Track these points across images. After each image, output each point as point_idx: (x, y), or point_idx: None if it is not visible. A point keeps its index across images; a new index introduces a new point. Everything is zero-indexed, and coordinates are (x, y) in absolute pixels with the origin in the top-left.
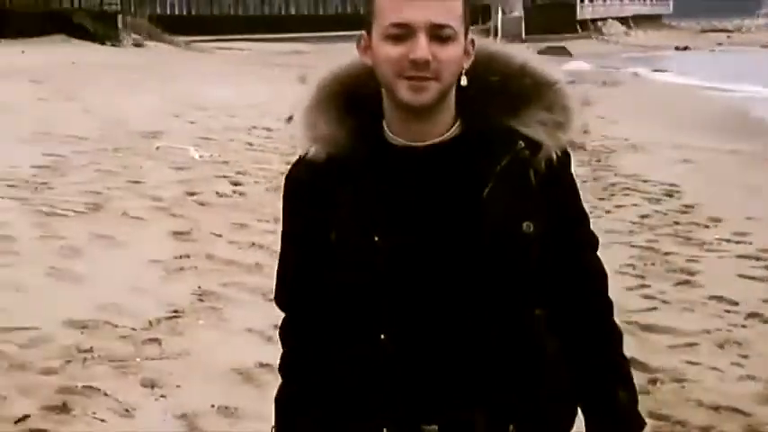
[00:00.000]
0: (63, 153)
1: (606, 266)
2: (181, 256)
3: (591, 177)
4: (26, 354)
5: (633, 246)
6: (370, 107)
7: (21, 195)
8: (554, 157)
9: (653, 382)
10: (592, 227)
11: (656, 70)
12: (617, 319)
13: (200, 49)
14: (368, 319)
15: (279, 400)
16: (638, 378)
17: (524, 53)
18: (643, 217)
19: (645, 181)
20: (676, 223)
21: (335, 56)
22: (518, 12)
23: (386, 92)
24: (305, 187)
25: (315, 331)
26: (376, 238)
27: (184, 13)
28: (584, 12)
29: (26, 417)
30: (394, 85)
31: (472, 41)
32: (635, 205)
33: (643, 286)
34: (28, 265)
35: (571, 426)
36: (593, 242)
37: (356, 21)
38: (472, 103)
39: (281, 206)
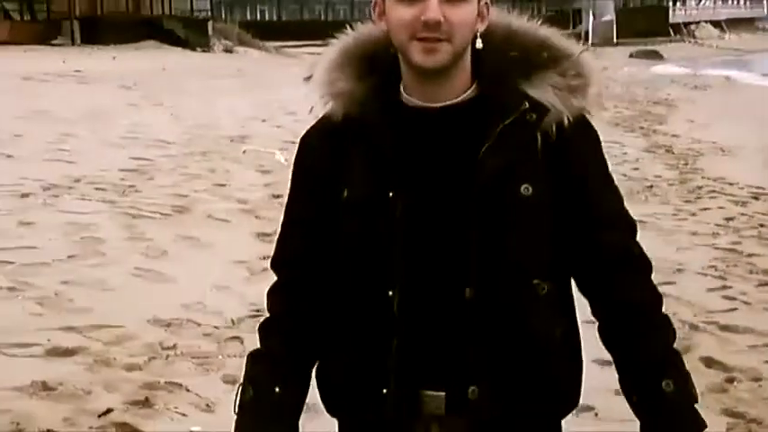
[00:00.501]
0: (150, 157)
1: (688, 267)
2: (265, 257)
3: (678, 180)
4: (111, 350)
5: (717, 248)
6: (387, 70)
7: (109, 198)
8: (565, 122)
9: (730, 380)
10: (673, 228)
11: (748, 73)
12: (695, 319)
13: (290, 54)
14: (377, 275)
15: (256, 356)
16: (716, 377)
17: (547, 30)
18: (728, 219)
19: (731, 184)
20: (761, 225)
21: None
22: (609, 15)
23: (401, 55)
24: (320, 146)
25: (310, 296)
26: (390, 194)
27: (274, 18)
28: (676, 15)
29: (110, 411)
30: (407, 47)
31: (486, 5)
32: (720, 208)
33: (725, 287)
34: (115, 265)
35: (571, 408)
36: (622, 223)
37: None
38: (490, 69)
39: (293, 169)
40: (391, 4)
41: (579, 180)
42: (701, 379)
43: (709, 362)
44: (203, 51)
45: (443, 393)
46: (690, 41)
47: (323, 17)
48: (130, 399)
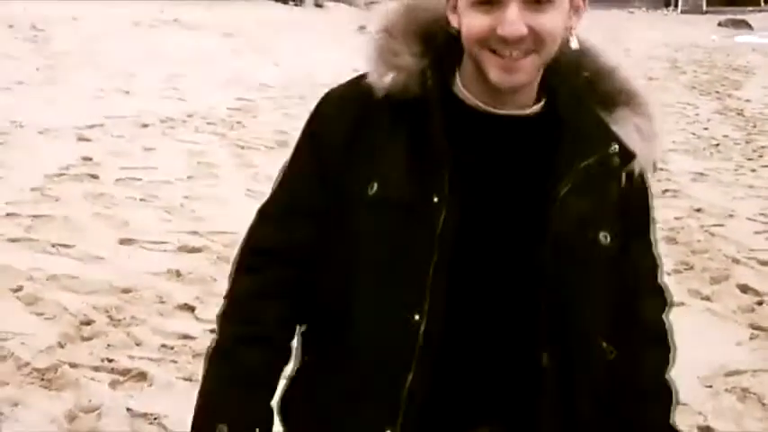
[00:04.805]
0: (253, 98)
1: (739, 214)
2: None
3: (744, 140)
4: (229, 250)
5: None
6: (442, 49)
7: (219, 131)
8: (636, 172)
9: (759, 303)
10: (731, 181)
11: None
12: (737, 255)
13: (379, 11)
14: (400, 292)
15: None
16: (748, 300)
17: (616, 58)
18: None
19: None
20: None
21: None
22: None
23: (471, 60)
24: (343, 115)
25: (295, 300)
26: (435, 199)
27: None
28: None
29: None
30: (481, 59)
31: None
32: None
33: None
34: (227, 185)
35: None
36: (658, 292)
37: None
38: (563, 87)
39: (302, 136)
40: (464, 5)
41: (633, 235)
42: (735, 301)
43: (744, 288)
44: (295, 5)
45: None
46: None
47: None
48: None
